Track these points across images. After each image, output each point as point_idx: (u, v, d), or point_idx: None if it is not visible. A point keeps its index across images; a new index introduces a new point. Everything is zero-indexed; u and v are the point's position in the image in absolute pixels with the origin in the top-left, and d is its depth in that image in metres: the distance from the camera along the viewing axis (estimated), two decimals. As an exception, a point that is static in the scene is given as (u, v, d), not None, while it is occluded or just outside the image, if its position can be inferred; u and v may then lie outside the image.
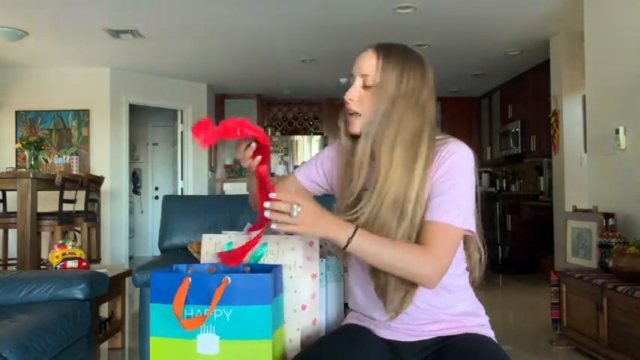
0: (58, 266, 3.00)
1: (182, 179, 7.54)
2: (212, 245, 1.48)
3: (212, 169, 7.98)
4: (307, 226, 1.16)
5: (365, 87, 1.29)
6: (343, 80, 7.27)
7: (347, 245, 1.18)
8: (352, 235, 1.18)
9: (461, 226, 1.22)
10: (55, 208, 4.49)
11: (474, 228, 1.26)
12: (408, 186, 1.22)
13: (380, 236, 1.21)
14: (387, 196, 1.22)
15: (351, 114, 1.31)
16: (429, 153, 1.25)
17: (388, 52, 1.30)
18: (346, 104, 1.31)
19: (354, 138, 1.34)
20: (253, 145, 1.26)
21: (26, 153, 4.94)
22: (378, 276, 1.25)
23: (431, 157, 1.25)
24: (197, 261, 1.79)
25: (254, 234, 1.31)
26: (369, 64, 1.30)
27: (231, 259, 1.33)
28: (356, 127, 1.30)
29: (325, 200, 1.36)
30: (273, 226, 1.17)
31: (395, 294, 1.24)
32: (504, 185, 7.68)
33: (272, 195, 1.16)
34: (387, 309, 1.27)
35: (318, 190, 1.54)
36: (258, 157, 1.26)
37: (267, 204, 1.16)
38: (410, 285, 1.23)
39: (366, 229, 1.21)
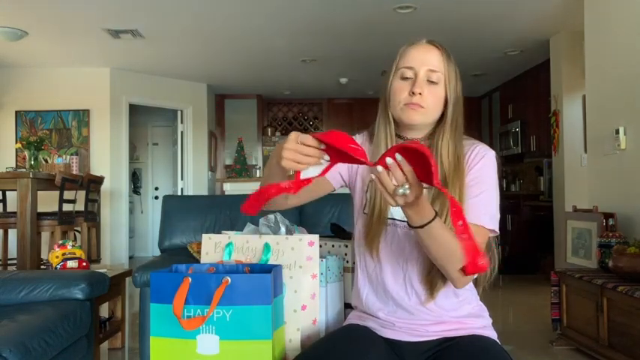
0: (58, 266, 3.00)
1: (182, 179, 7.54)
2: (212, 245, 1.48)
3: (212, 169, 7.98)
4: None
5: (428, 82, 1.29)
6: (343, 80, 7.27)
7: (427, 223, 1.11)
8: (434, 217, 1.12)
9: (491, 228, 1.27)
10: (55, 208, 4.48)
11: (497, 229, 1.30)
12: (461, 183, 1.26)
13: None
14: (455, 192, 1.25)
15: (418, 106, 1.28)
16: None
17: (446, 50, 1.31)
18: (412, 96, 1.28)
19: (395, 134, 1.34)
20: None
21: (26, 153, 4.94)
22: (429, 264, 1.26)
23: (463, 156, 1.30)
24: (197, 261, 1.79)
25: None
26: (435, 59, 1.29)
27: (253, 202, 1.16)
28: (417, 119, 1.30)
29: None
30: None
31: (439, 279, 1.26)
32: (504, 185, 7.68)
33: (389, 161, 1.01)
34: (427, 294, 1.27)
35: (339, 182, 1.44)
36: None
37: (380, 168, 1.02)
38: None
39: None
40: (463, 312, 1.32)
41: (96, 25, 5.05)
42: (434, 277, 1.26)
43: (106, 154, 6.58)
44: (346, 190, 1.48)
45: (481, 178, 1.27)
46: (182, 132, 7.53)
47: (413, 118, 1.29)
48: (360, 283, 1.39)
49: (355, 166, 1.41)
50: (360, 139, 1.45)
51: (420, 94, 1.27)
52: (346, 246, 1.56)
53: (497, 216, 1.28)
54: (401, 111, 1.30)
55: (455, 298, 1.31)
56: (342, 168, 1.43)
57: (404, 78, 1.30)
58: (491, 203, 1.27)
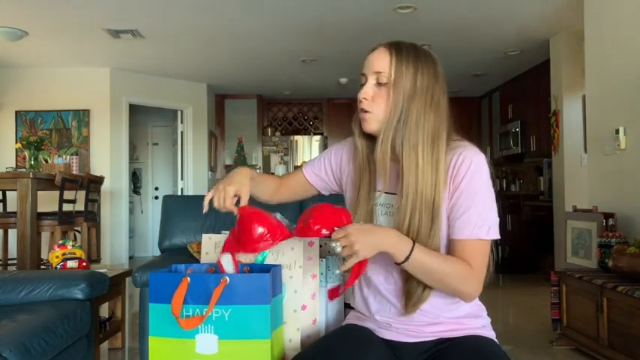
0: (58, 266, 3.00)
1: (182, 179, 7.54)
2: (212, 245, 1.48)
3: (212, 169, 7.98)
4: (363, 248, 1.15)
5: (378, 84, 1.28)
6: (343, 80, 7.27)
7: (404, 261, 1.18)
8: (411, 251, 1.17)
9: (490, 238, 1.25)
10: (55, 208, 4.49)
11: (498, 235, 1.28)
12: (436, 190, 1.23)
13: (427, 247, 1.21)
14: (423, 200, 1.23)
15: (366, 112, 1.29)
16: (446, 157, 1.25)
17: (400, 49, 1.29)
18: (360, 103, 1.29)
19: (369, 138, 1.34)
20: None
21: (26, 153, 4.94)
22: (405, 276, 1.26)
23: (447, 162, 1.25)
24: (197, 261, 1.79)
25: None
26: (382, 61, 1.28)
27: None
28: (371, 125, 1.29)
29: (332, 200, 1.35)
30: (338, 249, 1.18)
31: (419, 289, 1.26)
32: (504, 185, 7.68)
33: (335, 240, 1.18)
34: (406, 305, 1.27)
35: (326, 188, 1.52)
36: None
37: (334, 243, 1.18)
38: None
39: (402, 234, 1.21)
40: (460, 313, 1.31)
41: (96, 25, 5.05)
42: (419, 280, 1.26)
43: (106, 154, 6.58)
44: None
45: (470, 189, 1.24)
46: (182, 132, 7.52)
47: (366, 127, 1.30)
48: (356, 285, 1.39)
49: (343, 170, 1.46)
50: (341, 147, 1.48)
51: (366, 99, 1.28)
52: (346, 246, 1.55)
53: (494, 222, 1.26)
54: (361, 121, 1.32)
55: (449, 298, 1.29)
56: (328, 172, 1.48)
57: (360, 86, 1.32)
58: (486, 213, 1.24)
